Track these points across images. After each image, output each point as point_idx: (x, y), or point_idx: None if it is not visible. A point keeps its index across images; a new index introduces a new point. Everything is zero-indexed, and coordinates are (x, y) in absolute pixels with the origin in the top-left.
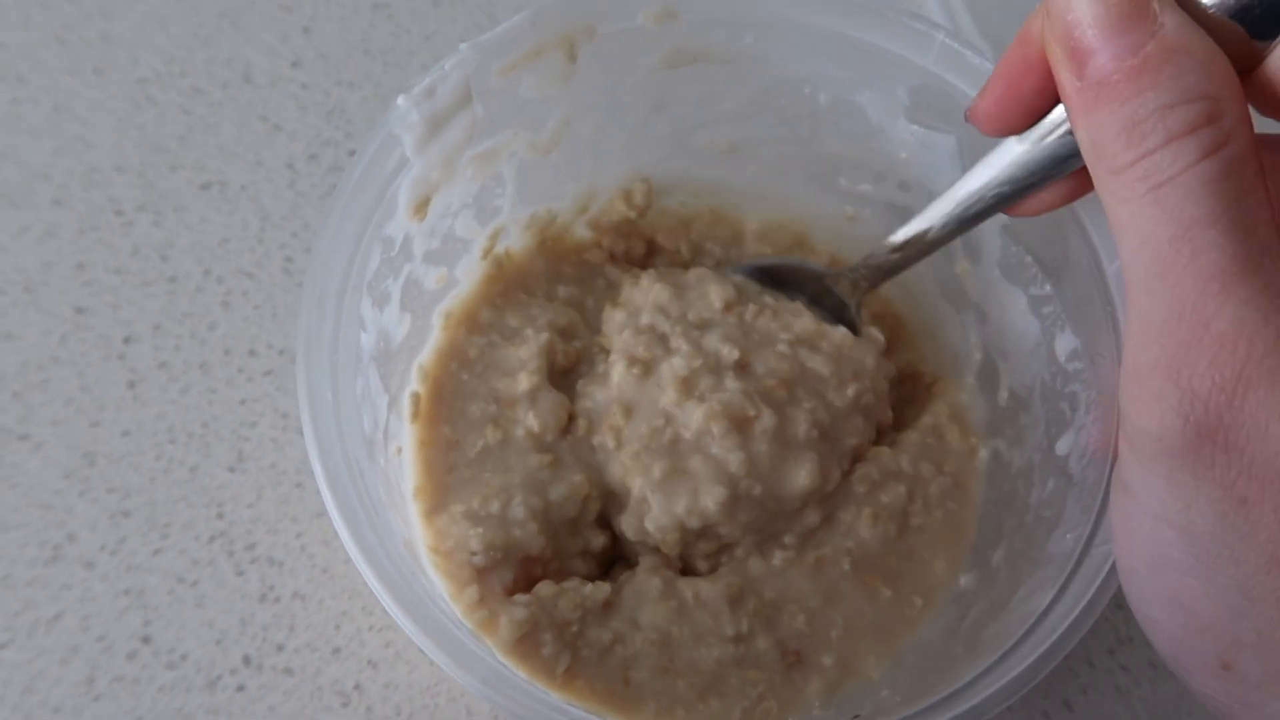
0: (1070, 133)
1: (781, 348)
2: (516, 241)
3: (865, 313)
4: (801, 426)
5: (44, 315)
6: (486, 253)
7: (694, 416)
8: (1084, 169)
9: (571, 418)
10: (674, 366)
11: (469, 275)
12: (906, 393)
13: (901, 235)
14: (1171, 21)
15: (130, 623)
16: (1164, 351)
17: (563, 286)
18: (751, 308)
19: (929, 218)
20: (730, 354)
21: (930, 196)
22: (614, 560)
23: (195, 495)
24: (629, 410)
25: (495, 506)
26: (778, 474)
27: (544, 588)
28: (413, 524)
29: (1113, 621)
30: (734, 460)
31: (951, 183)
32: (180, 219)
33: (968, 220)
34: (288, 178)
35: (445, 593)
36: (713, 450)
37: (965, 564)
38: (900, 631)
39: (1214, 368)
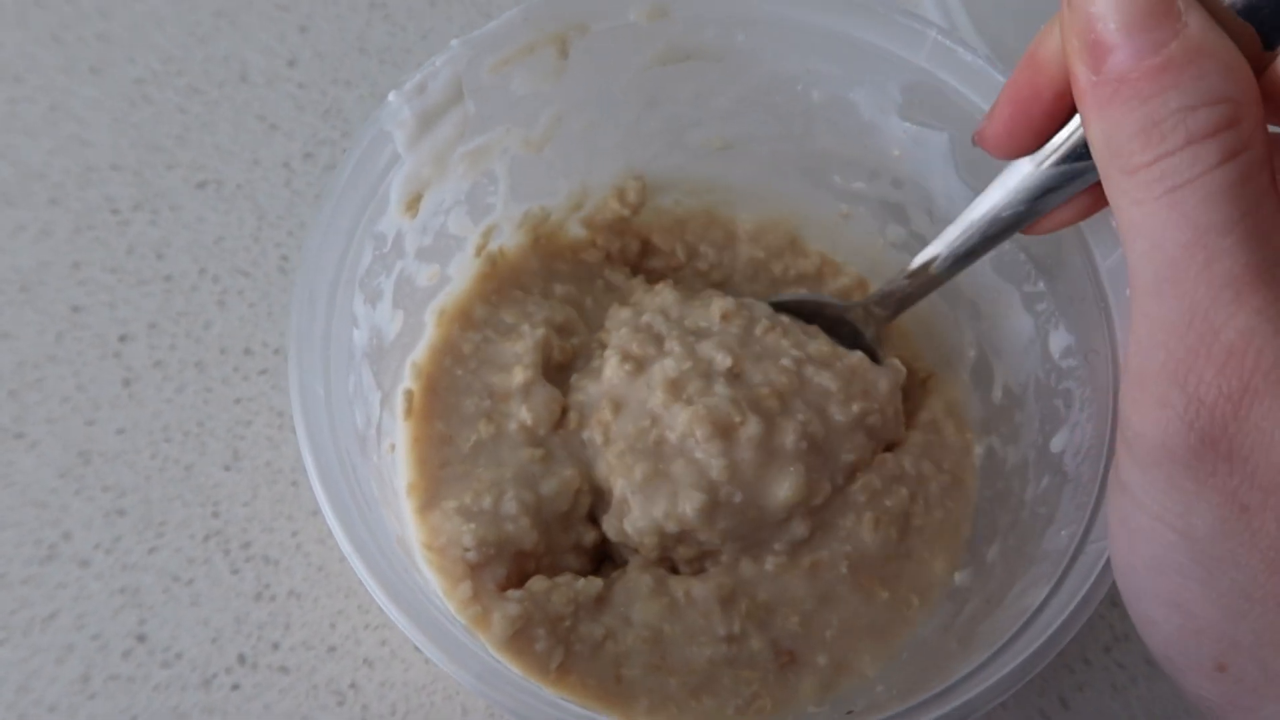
0: (1084, 153)
1: (785, 362)
2: (510, 239)
3: (885, 345)
4: (790, 437)
5: (40, 314)
6: (480, 250)
7: (679, 419)
8: (1098, 184)
9: (564, 412)
10: (665, 368)
11: (462, 273)
12: (902, 390)
13: (916, 263)
14: (1196, 21)
15: (125, 621)
16: (1170, 357)
17: (559, 284)
18: (764, 323)
19: (942, 244)
20: (723, 360)
21: (923, 193)
22: (605, 558)
23: (190, 494)
24: (618, 407)
25: (487, 501)
26: (761, 483)
27: (536, 583)
28: (406, 521)
29: (1108, 619)
30: (716, 466)
31: (945, 179)
32: (176, 218)
33: (983, 245)
34: (284, 176)
35: (439, 589)
36: (696, 455)
37: (960, 561)
38: (897, 631)
39: (1221, 377)
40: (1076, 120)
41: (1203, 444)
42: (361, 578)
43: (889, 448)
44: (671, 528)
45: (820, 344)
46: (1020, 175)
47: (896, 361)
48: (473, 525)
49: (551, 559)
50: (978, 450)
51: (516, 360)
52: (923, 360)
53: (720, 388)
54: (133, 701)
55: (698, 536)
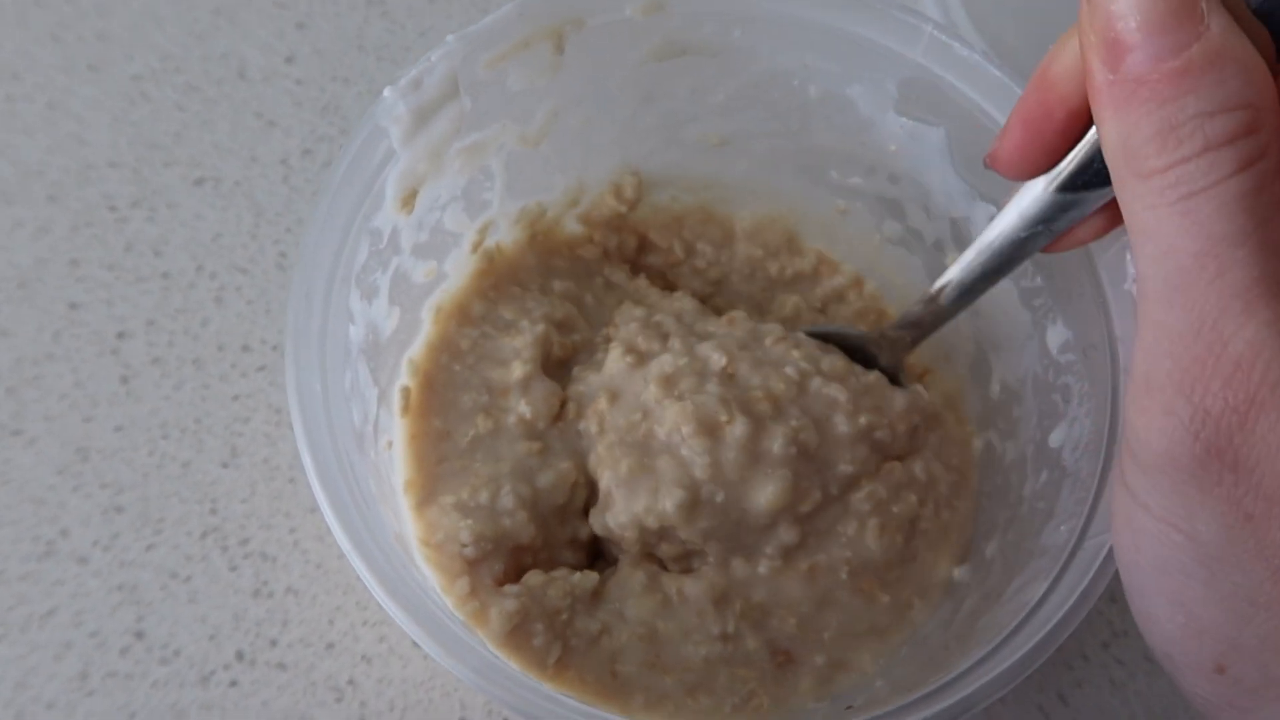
0: (1099, 169)
1: (789, 370)
2: (507, 235)
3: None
4: (778, 442)
5: (38, 311)
6: (476, 246)
7: (668, 414)
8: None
9: (563, 405)
10: (661, 363)
11: (458, 269)
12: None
13: (936, 287)
14: (1218, 24)
15: (123, 618)
16: (1177, 366)
17: (558, 281)
18: (775, 334)
19: (960, 268)
20: (718, 360)
21: (920, 188)
22: (599, 554)
23: (188, 491)
24: (614, 397)
25: (484, 496)
26: (744, 485)
27: (532, 577)
28: (403, 517)
29: (1107, 615)
30: (700, 464)
31: (941, 174)
32: (174, 215)
33: (1000, 268)
34: (281, 173)
35: (437, 585)
36: (681, 451)
37: (960, 557)
38: (896, 631)
39: (1228, 388)
40: (1090, 135)
41: (1208, 454)
42: (359, 574)
43: (898, 457)
44: (651, 523)
45: (835, 359)
46: (1033, 196)
47: (919, 387)
48: (470, 521)
49: (548, 553)
50: (977, 445)
51: (516, 355)
52: (918, 356)
53: (711, 386)
54: (131, 698)
55: (678, 534)
